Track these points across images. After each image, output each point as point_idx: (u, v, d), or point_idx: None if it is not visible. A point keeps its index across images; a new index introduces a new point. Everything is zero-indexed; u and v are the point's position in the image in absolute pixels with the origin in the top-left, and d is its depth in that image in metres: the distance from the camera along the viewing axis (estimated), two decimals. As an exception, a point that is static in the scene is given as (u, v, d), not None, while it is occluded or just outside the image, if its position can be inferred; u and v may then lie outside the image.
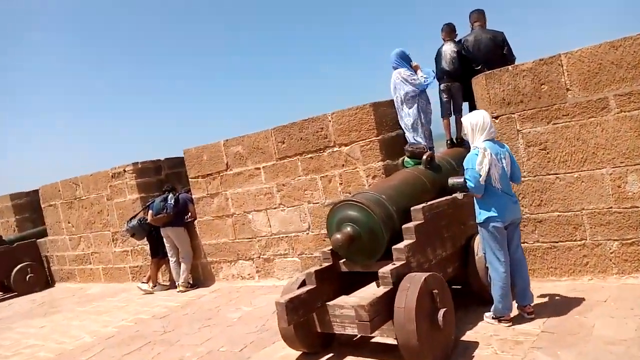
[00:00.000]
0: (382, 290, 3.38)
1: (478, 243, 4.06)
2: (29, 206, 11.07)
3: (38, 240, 10.12)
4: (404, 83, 5.36)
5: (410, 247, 3.57)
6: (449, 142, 5.61)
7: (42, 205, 9.92)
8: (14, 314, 7.86)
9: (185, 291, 7.21)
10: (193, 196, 7.39)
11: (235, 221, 6.92)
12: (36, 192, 11.06)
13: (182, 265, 7.29)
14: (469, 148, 3.84)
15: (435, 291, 3.31)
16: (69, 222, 9.42)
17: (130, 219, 7.62)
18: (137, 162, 8.14)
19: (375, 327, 3.25)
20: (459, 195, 3.89)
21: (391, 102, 5.59)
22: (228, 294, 6.57)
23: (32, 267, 9.72)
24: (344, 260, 3.89)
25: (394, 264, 3.48)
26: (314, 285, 3.70)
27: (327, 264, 3.89)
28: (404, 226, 3.69)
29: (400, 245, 3.56)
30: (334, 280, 3.87)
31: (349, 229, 3.61)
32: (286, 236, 6.42)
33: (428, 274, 3.36)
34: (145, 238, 7.70)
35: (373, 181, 5.49)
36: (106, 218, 8.69)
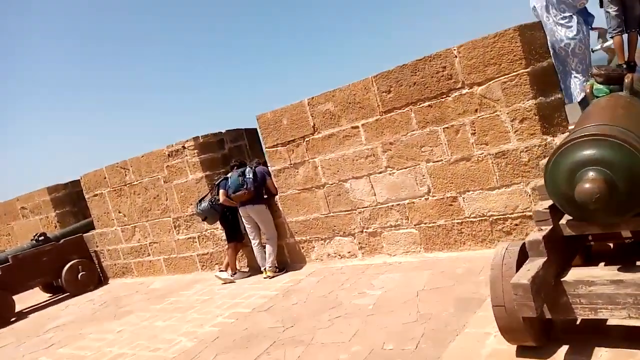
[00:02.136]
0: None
1: None
2: (69, 199, 10.15)
3: (85, 235, 9.22)
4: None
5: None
6: (624, 66, 4.52)
7: (87, 196, 8.98)
8: (76, 318, 6.99)
9: (273, 276, 6.28)
10: (272, 168, 6.39)
11: (328, 192, 5.92)
12: (75, 182, 10.15)
13: (268, 248, 6.34)
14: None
15: None
16: (119, 212, 8.48)
17: (200, 201, 6.67)
18: (198, 137, 7.13)
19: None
20: None
21: (539, 24, 4.51)
22: (331, 277, 5.62)
23: (83, 264, 8.83)
24: (568, 220, 2.87)
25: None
26: (545, 257, 2.70)
27: (547, 228, 2.87)
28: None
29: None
30: (558, 248, 2.86)
31: (595, 174, 2.57)
32: (397, 204, 5.42)
33: None
34: (218, 221, 6.77)
35: (521, 126, 4.45)
36: (164, 203, 7.73)
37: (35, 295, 9.34)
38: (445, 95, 4.84)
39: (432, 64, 4.84)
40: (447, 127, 4.89)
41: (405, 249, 5.49)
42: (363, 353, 3.49)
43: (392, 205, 5.46)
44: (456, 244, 5.14)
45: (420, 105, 5.00)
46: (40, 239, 8.78)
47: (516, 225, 4.75)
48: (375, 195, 5.55)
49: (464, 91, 4.72)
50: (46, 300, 9.01)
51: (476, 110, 4.69)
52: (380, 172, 5.44)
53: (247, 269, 6.95)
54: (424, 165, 5.12)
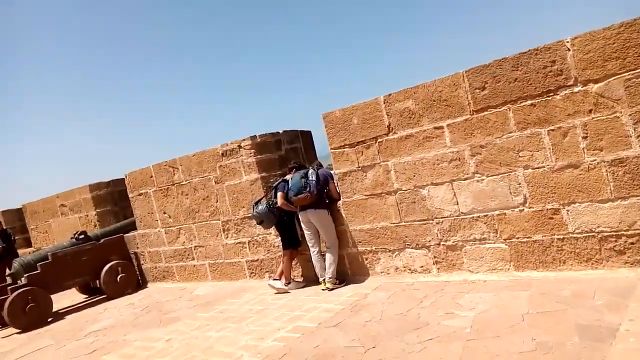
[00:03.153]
0: None
1: None
2: (110, 197, 9.86)
3: (125, 235, 8.85)
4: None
5: None
6: None
7: (130, 195, 8.63)
8: (117, 323, 6.55)
9: (333, 289, 5.74)
10: (336, 171, 5.89)
11: (400, 199, 5.38)
12: (117, 181, 9.87)
13: (328, 257, 5.82)
14: None
15: None
16: (164, 213, 8.09)
17: (256, 203, 6.21)
18: (255, 136, 6.69)
19: None
20: None
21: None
22: (403, 293, 5.05)
23: (123, 265, 8.45)
24: None
25: None
26: None
27: None
28: None
29: None
30: None
31: None
32: (484, 215, 4.84)
33: None
34: (274, 226, 6.30)
35: (648, 129, 3.85)
36: (214, 205, 7.30)
37: (71, 296, 9.00)
38: (552, 94, 4.27)
39: (539, 58, 4.29)
40: (552, 130, 4.32)
41: (490, 266, 4.89)
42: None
43: (478, 217, 4.88)
44: (554, 262, 4.52)
45: (521, 104, 4.44)
46: (80, 237, 8.45)
47: (632, 244, 4.12)
48: (457, 204, 4.99)
49: (576, 89, 4.15)
50: (83, 302, 8.64)
51: (590, 111, 4.11)
52: (466, 179, 4.88)
53: (301, 279, 6.43)
54: (520, 172, 4.54)
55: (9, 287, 7.54)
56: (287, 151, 6.97)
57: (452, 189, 4.99)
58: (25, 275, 7.65)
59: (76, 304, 8.53)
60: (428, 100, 4.98)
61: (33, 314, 7.31)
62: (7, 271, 8.55)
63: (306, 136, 7.60)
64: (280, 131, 6.97)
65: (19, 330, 7.23)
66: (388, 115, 5.29)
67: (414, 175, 5.22)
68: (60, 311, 8.12)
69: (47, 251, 8.17)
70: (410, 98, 5.09)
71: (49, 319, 7.55)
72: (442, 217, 5.12)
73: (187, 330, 5.44)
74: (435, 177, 5.08)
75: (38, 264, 7.82)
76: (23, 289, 7.37)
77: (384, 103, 5.29)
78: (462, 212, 4.98)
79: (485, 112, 4.65)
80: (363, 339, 4.03)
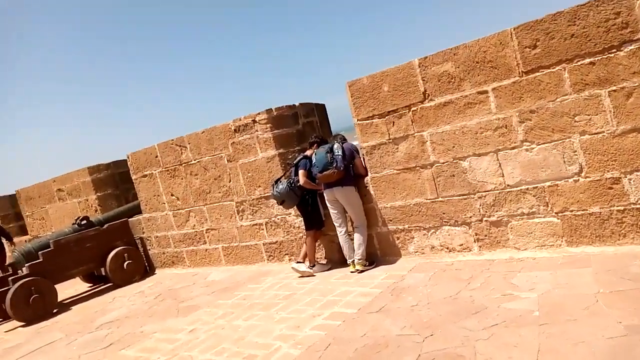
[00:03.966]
0: None
1: None
2: (111, 180, 9.33)
3: (130, 220, 8.39)
4: None
5: None
6: None
7: (134, 177, 8.13)
8: (130, 313, 6.15)
9: (363, 271, 5.37)
10: (363, 144, 5.45)
11: (437, 172, 4.97)
12: (118, 163, 9.35)
13: (357, 237, 5.42)
14: None
15: None
16: (172, 195, 7.63)
17: (276, 182, 5.78)
18: (271, 109, 6.22)
19: None
20: None
21: None
22: (444, 274, 4.68)
23: (129, 252, 8.00)
24: None
25: None
26: None
27: None
28: None
29: None
30: None
31: None
32: (534, 187, 4.45)
33: None
34: (295, 206, 5.89)
35: None
36: (227, 185, 6.85)
37: (73, 285, 8.56)
38: (615, 50, 3.85)
39: (600, 10, 3.85)
40: (614, 90, 3.91)
41: (540, 242, 4.53)
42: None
43: (527, 189, 4.49)
44: (613, 236, 4.17)
45: (578, 63, 4.02)
46: (82, 223, 7.97)
47: None
48: (503, 176, 4.59)
49: (645, 43, 3.73)
50: (87, 291, 8.22)
51: (662, 67, 3.70)
52: (514, 148, 4.48)
53: (324, 261, 6.05)
54: (576, 138, 4.15)
55: (10, 278, 7.09)
56: (304, 125, 6.51)
57: (497, 159, 4.59)
58: (27, 264, 7.19)
59: (81, 294, 8.11)
60: (470, 62, 4.54)
61: (37, 306, 6.88)
62: (7, 261, 8.09)
63: (321, 109, 7.13)
64: (297, 104, 6.49)
65: (22, 324, 6.81)
66: (424, 80, 4.84)
67: (453, 146, 4.81)
68: (64, 302, 7.70)
69: (48, 238, 7.69)
70: (450, 60, 4.64)
71: (54, 310, 7.12)
72: (485, 191, 4.73)
73: (211, 320, 5.05)
74: (477, 147, 4.67)
75: (39, 253, 7.36)
76: (26, 279, 6.92)
77: (419, 67, 4.84)
78: (508, 185, 4.59)
79: (537, 73, 4.22)
80: (416, 326, 3.67)
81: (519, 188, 4.54)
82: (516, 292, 3.83)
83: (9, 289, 6.82)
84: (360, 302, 4.49)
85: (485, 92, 4.51)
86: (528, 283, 3.94)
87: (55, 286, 7.32)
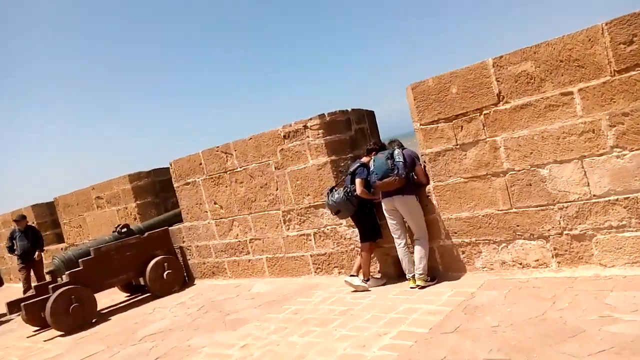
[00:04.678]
0: None
1: None
2: (151, 188, 9.18)
3: (170, 229, 8.19)
4: None
5: None
6: None
7: (176, 185, 7.94)
8: (173, 325, 5.87)
9: (424, 286, 4.98)
10: (426, 150, 5.11)
11: (512, 181, 4.58)
12: (158, 171, 9.22)
13: (419, 250, 5.05)
14: None
15: None
16: (215, 203, 7.39)
17: (331, 190, 5.47)
18: (324, 114, 5.94)
19: None
20: None
21: None
22: (519, 292, 4.27)
23: (169, 261, 7.78)
24: None
25: None
26: None
27: None
28: None
29: None
30: None
31: None
32: (625, 198, 4.02)
33: None
34: (350, 217, 5.56)
35: None
36: (273, 193, 6.57)
37: (110, 294, 8.36)
38: None
39: None
40: None
41: (631, 258, 4.07)
42: None
43: (617, 199, 4.06)
44: None
45: (684, 60, 3.61)
46: (123, 230, 7.81)
47: None
48: (588, 185, 4.18)
49: None
50: (125, 301, 8.01)
51: None
52: (602, 154, 4.07)
53: (379, 275, 5.68)
54: (679, 143, 3.72)
55: (50, 286, 6.92)
56: (356, 132, 6.21)
57: (582, 167, 4.18)
58: (67, 272, 7.02)
59: (118, 304, 7.90)
60: (553, 61, 4.17)
61: (77, 315, 6.68)
62: (45, 269, 7.96)
63: (370, 116, 6.82)
64: (349, 109, 6.20)
65: (61, 333, 6.61)
66: (498, 81, 4.49)
67: (531, 152, 4.41)
68: (102, 311, 7.49)
69: (88, 246, 7.53)
70: (529, 59, 4.28)
71: (93, 320, 6.92)
72: (566, 202, 4.31)
73: (263, 335, 4.72)
74: (559, 154, 4.27)
75: (80, 260, 7.19)
76: (66, 287, 6.74)
77: (493, 67, 4.49)
78: (594, 195, 4.17)
79: (632, 72, 3.82)
80: (504, 349, 3.27)
81: (607, 199, 4.11)
82: (616, 314, 3.40)
83: (49, 296, 6.65)
84: (430, 320, 4.10)
85: (570, 93, 4.13)
86: (626, 304, 3.51)
87: (95, 295, 7.14)
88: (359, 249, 5.63)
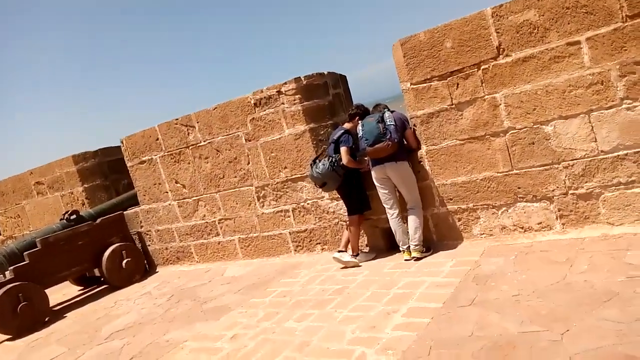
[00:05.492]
0: None
1: None
2: (99, 170, 8.30)
3: (125, 213, 7.44)
4: None
5: None
6: None
7: (129, 164, 7.17)
8: (142, 319, 5.26)
9: (420, 258, 4.68)
10: (417, 112, 4.73)
11: (513, 140, 4.30)
12: (106, 150, 8.36)
13: (413, 220, 4.72)
14: None
15: None
16: (176, 182, 6.73)
17: (314, 162, 5.02)
18: (300, 77, 5.41)
19: None
20: None
21: None
22: (526, 256, 4.03)
23: (127, 248, 7.07)
24: None
25: None
26: None
27: None
28: None
29: None
30: None
31: None
32: (635, 152, 3.84)
33: None
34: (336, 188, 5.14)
35: None
36: (245, 168, 6.02)
37: (62, 289, 7.56)
38: None
39: None
40: None
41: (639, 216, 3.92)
42: None
43: (626, 154, 3.87)
44: None
45: (702, 1, 3.40)
46: (72, 218, 6.99)
47: None
48: (596, 140, 3.96)
49: None
50: (80, 295, 7.25)
51: None
52: (611, 107, 3.84)
53: (367, 249, 5.34)
54: (695, 91, 3.54)
55: (-9, 284, 6.06)
56: (333, 97, 5.74)
57: (589, 121, 3.95)
58: (11, 267, 6.18)
59: (72, 298, 7.14)
60: (558, 9, 3.86)
61: (26, 315, 5.89)
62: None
63: (344, 81, 6.36)
64: (325, 72, 5.71)
65: (9, 337, 5.82)
66: (498, 32, 4.14)
67: (534, 109, 4.14)
68: (55, 308, 6.72)
69: (33, 237, 6.68)
70: (532, 7, 3.96)
71: (46, 319, 6.16)
72: (572, 159, 4.09)
73: (252, 323, 4.25)
74: (565, 109, 4.02)
75: (25, 253, 6.35)
76: (11, 285, 5.92)
77: (492, 17, 4.14)
78: (601, 151, 3.96)
79: (646, 17, 3.59)
80: (538, 321, 2.99)
81: (615, 154, 3.91)
82: (644, 273, 3.21)
83: (-9, 296, 5.81)
84: (440, 294, 3.78)
85: (577, 42, 3.85)
86: (649, 265, 3.33)
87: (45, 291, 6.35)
88: (346, 223, 5.24)
